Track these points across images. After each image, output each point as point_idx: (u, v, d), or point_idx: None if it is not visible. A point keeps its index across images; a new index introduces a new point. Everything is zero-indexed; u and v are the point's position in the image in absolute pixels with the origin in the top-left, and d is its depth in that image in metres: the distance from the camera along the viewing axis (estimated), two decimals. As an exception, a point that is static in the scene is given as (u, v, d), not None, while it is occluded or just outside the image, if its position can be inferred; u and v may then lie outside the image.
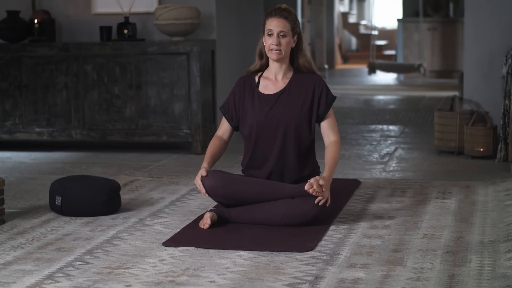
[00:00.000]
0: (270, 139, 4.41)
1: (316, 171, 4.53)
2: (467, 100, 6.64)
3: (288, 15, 4.37)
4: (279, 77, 4.47)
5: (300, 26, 4.49)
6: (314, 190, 4.15)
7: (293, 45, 4.43)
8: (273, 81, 4.47)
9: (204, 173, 4.30)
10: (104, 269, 3.56)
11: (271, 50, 4.37)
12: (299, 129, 4.42)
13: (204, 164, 4.38)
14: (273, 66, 4.46)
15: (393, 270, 3.50)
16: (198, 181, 4.32)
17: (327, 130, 4.48)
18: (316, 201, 4.17)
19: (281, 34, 4.35)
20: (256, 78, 4.50)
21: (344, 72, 17.28)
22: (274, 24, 4.35)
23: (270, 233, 4.11)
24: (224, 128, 4.56)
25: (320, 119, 4.47)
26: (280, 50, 4.36)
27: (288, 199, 4.23)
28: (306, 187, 4.17)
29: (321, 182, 4.17)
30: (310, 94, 4.43)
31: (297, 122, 4.41)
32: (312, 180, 4.18)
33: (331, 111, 4.49)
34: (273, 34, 4.35)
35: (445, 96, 7.11)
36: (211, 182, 4.29)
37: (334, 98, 4.48)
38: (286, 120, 4.40)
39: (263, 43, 4.44)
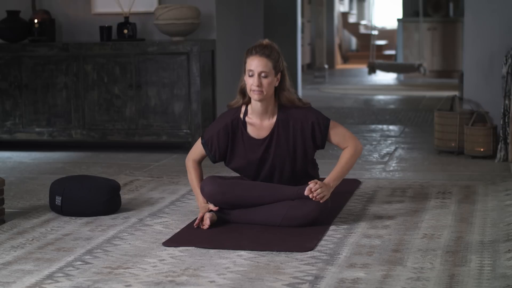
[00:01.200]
0: (263, 175, 4.34)
1: (315, 173, 4.49)
2: (467, 100, 6.64)
3: (269, 53, 4.15)
4: (265, 119, 4.28)
5: (284, 62, 4.26)
6: (314, 195, 4.14)
7: (277, 84, 4.24)
8: (259, 124, 4.28)
9: (213, 208, 4.22)
10: (104, 269, 3.56)
11: (252, 91, 4.17)
12: (294, 165, 4.32)
13: (203, 200, 4.30)
14: (256, 106, 4.24)
15: (393, 270, 3.50)
16: (205, 217, 4.21)
17: (338, 144, 4.35)
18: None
19: (263, 74, 4.14)
20: (242, 116, 4.30)
21: (344, 72, 17.28)
22: (254, 64, 4.14)
23: (270, 233, 4.11)
24: (200, 154, 4.40)
25: (322, 146, 4.34)
26: (262, 91, 4.16)
27: (288, 201, 4.22)
28: (306, 192, 4.15)
29: (319, 186, 4.13)
30: (299, 134, 4.28)
31: (292, 162, 4.30)
32: (311, 185, 4.16)
33: (333, 125, 4.33)
34: (254, 75, 4.15)
35: (445, 96, 7.10)
36: (210, 188, 4.27)
37: (328, 122, 4.31)
38: (279, 163, 4.30)
39: (244, 81, 4.24)
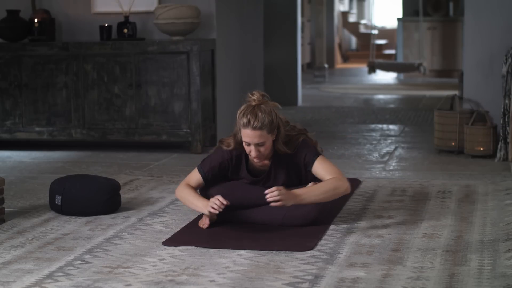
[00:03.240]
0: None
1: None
2: (467, 100, 6.64)
3: (262, 124, 4.03)
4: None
5: (278, 117, 4.12)
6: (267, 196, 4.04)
7: (273, 138, 4.15)
8: (256, 164, 4.26)
9: (224, 201, 4.05)
10: (104, 268, 3.56)
11: (251, 156, 4.15)
12: (290, 186, 4.26)
13: (204, 201, 4.15)
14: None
15: (393, 269, 3.50)
16: (215, 202, 4.09)
17: (322, 177, 4.18)
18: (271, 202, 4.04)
19: (259, 144, 4.09)
20: (243, 156, 4.25)
21: (344, 71, 17.28)
22: (249, 137, 4.07)
23: (270, 232, 4.11)
24: (196, 183, 4.29)
25: (309, 171, 4.25)
26: (261, 157, 4.15)
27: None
28: (267, 191, 4.02)
29: (279, 190, 3.98)
30: (294, 170, 4.26)
31: (288, 186, 4.22)
32: (274, 188, 4.04)
33: (321, 160, 4.22)
34: (250, 145, 4.11)
35: (445, 96, 7.10)
36: (211, 191, 4.28)
37: (315, 157, 4.21)
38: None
39: (240, 134, 4.14)
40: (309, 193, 4.10)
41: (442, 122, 6.57)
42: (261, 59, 8.65)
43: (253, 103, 4.10)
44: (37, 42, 6.90)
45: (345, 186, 4.16)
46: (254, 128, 4.04)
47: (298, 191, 4.10)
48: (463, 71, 7.16)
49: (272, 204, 4.00)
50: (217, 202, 4.04)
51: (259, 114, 4.06)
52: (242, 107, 4.13)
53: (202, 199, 4.18)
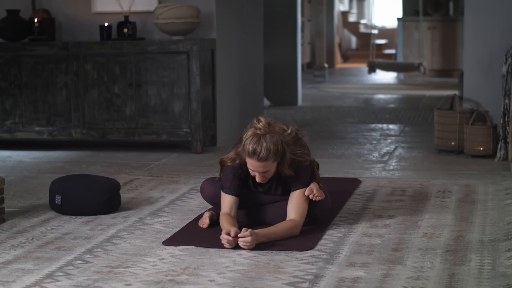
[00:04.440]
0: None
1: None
2: (467, 99, 6.64)
3: (268, 156, 3.99)
4: None
5: (284, 144, 4.04)
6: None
7: (278, 161, 4.09)
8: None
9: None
10: (104, 268, 3.56)
11: (256, 179, 4.11)
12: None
13: (228, 225, 4.01)
14: None
15: (393, 269, 3.50)
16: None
17: (289, 208, 4.12)
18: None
19: (264, 171, 4.05)
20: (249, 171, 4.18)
21: (344, 71, 17.27)
22: (255, 166, 4.03)
23: (270, 232, 4.10)
24: (231, 204, 4.14)
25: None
26: (264, 180, 4.10)
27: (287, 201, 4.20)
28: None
29: (250, 234, 3.83)
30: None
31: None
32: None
33: (300, 196, 4.11)
34: (255, 172, 4.06)
35: (445, 95, 7.10)
36: (211, 191, 4.29)
37: (304, 186, 4.11)
38: (279, 199, 4.25)
39: (241, 153, 4.08)
40: (268, 235, 3.94)
41: (442, 122, 6.57)
42: (261, 59, 8.65)
43: (259, 132, 4.01)
44: (37, 42, 6.90)
45: (297, 233, 4.05)
46: (260, 160, 3.99)
47: (262, 232, 3.93)
48: (463, 71, 7.16)
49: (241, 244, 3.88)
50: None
51: (265, 145, 3.98)
52: (249, 134, 4.04)
53: (229, 225, 4.01)
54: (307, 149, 4.25)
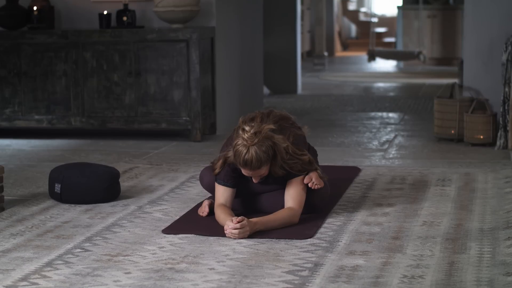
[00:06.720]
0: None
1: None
2: (466, 88, 6.63)
3: (259, 164, 3.93)
4: None
5: (277, 146, 3.99)
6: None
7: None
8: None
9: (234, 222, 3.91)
10: (104, 256, 3.56)
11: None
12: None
13: (226, 215, 3.99)
14: None
15: (392, 257, 3.50)
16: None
17: (287, 198, 4.10)
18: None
19: (259, 174, 4.02)
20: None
21: (344, 59, 17.25)
22: (248, 173, 4.00)
23: (269, 220, 4.10)
24: (226, 196, 4.12)
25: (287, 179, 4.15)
26: (259, 180, 4.07)
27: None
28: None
29: (241, 225, 3.83)
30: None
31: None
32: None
33: (299, 183, 4.10)
34: (250, 175, 4.03)
35: (444, 84, 7.10)
36: (211, 179, 4.28)
37: (298, 176, 4.10)
38: (275, 188, 4.23)
39: (231, 156, 4.04)
40: (266, 224, 3.94)
41: (442, 110, 6.56)
42: (260, 47, 8.64)
43: (247, 144, 3.92)
44: (36, 30, 6.89)
45: (295, 222, 4.04)
46: (253, 169, 3.95)
47: (260, 221, 3.93)
48: (463, 59, 7.15)
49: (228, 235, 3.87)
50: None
51: (255, 155, 3.91)
52: (239, 143, 3.93)
53: (226, 215, 4.00)
54: (301, 139, 4.23)
